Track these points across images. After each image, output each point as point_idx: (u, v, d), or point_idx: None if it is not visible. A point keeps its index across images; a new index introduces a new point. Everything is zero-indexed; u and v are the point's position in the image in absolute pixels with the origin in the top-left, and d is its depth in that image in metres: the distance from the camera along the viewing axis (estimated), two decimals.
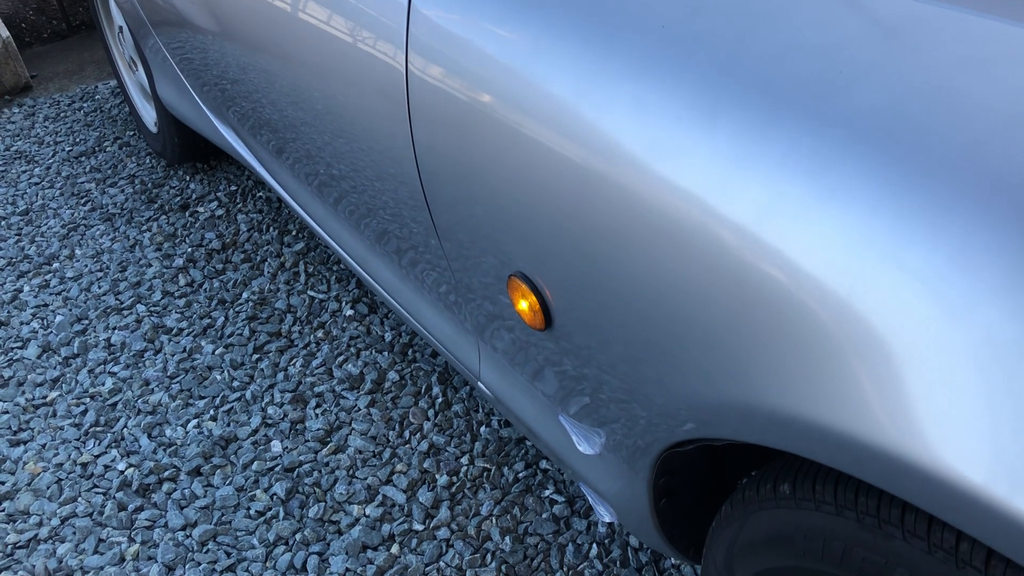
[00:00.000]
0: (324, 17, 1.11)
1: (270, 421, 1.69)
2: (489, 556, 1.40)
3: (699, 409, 0.73)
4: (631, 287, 0.75)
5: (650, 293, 0.73)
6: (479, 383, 1.27)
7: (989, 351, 0.51)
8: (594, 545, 1.40)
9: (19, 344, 1.96)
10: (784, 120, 0.62)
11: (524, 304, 0.93)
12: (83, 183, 2.60)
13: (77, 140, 2.87)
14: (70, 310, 2.06)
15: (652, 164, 0.69)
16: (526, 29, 0.82)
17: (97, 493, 1.58)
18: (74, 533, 1.50)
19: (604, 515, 1.08)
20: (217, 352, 1.88)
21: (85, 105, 3.13)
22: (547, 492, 1.50)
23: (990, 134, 0.54)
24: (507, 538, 1.42)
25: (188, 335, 1.94)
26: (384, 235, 1.29)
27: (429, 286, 1.25)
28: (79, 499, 1.57)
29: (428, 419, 1.66)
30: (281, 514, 1.50)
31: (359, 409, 1.70)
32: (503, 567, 1.38)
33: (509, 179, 0.85)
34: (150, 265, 2.19)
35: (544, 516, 1.45)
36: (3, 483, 1.61)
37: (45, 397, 1.81)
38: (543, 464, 1.55)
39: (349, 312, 1.97)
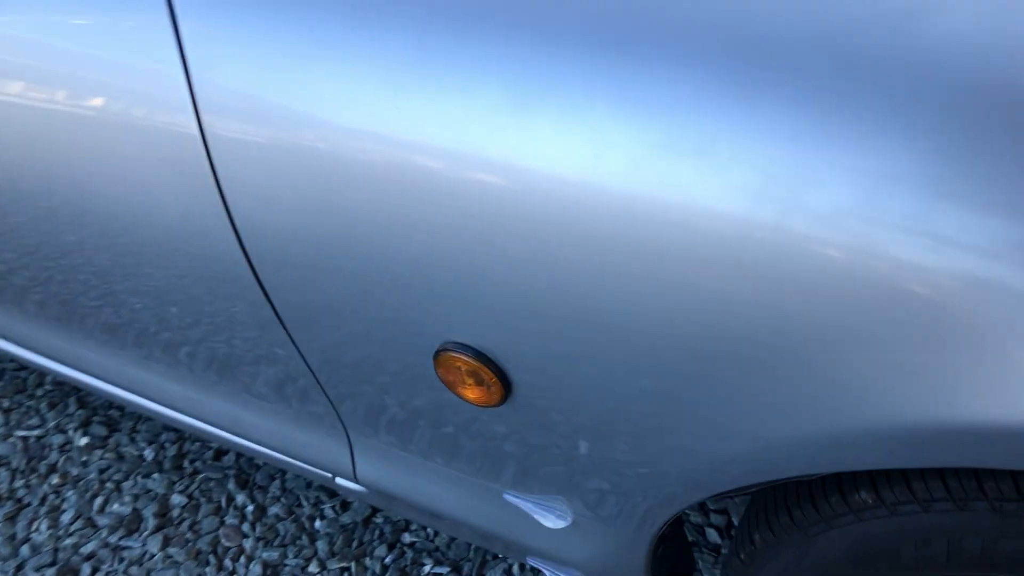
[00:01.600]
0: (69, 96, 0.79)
1: None
2: None
3: (808, 446, 0.60)
4: (642, 331, 0.60)
5: (688, 323, 0.58)
6: (351, 484, 1.03)
7: None
8: None
9: None
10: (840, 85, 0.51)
11: (468, 380, 0.73)
12: None
13: None
14: None
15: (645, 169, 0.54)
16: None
17: None
18: None
19: None
20: None
21: None
22: (426, 569, 1.30)
23: None
24: None
25: None
26: (219, 364, 0.99)
27: (285, 401, 0.97)
28: None
29: (246, 536, 1.37)
30: None
31: (153, 555, 1.36)
32: None
33: (427, 232, 0.65)
34: None
35: None
36: None
37: None
38: (405, 538, 1.35)
39: (83, 441, 1.57)
